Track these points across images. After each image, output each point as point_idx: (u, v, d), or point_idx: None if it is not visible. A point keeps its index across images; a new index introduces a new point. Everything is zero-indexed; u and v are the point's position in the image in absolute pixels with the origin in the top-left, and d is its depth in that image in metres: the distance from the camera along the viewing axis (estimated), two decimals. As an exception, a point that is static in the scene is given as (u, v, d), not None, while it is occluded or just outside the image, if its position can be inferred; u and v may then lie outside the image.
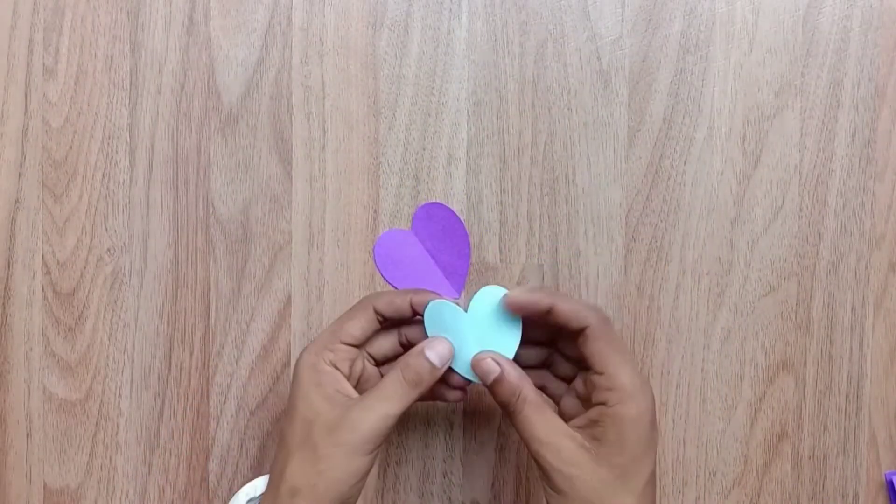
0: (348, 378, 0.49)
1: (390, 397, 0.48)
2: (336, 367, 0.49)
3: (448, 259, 0.57)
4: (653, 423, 0.47)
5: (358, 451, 0.47)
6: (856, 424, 0.58)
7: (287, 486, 0.47)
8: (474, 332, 0.50)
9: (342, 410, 0.47)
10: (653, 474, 0.47)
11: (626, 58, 0.57)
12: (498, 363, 0.48)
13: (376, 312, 0.50)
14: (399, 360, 0.49)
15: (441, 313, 0.50)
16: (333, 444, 0.47)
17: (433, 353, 0.49)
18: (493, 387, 0.49)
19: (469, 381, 0.50)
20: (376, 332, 0.51)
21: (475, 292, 0.50)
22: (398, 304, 0.50)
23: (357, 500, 0.48)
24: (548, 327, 0.50)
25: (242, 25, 0.57)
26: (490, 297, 0.50)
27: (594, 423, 0.47)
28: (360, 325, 0.50)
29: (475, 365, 0.49)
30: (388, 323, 0.51)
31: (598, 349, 0.47)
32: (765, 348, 0.58)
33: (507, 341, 0.50)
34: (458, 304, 0.50)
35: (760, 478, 0.58)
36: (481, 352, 0.49)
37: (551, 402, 0.51)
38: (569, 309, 0.48)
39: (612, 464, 0.46)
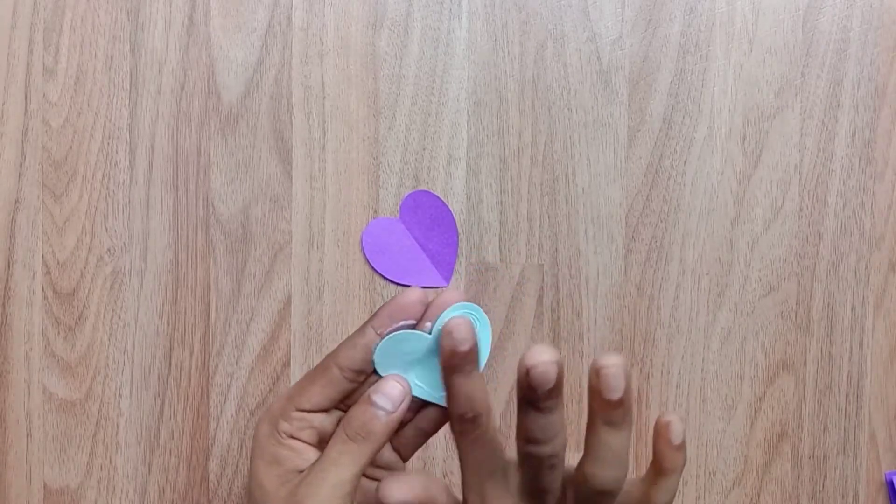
0: (318, 445, 0.43)
1: (337, 461, 0.41)
2: (296, 438, 0.43)
3: (436, 247, 0.57)
4: None
5: None
6: (856, 424, 0.58)
7: None
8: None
9: (292, 489, 0.41)
10: None
11: (626, 58, 0.57)
12: None
13: (340, 369, 0.43)
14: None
15: (398, 345, 0.43)
16: None
17: (381, 396, 0.42)
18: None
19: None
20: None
21: (441, 316, 0.43)
22: (359, 349, 0.43)
23: None
24: None
25: (242, 25, 0.57)
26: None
27: None
28: (319, 389, 0.43)
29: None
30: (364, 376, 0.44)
31: None
32: (765, 348, 0.58)
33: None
34: (414, 328, 0.43)
35: (760, 478, 0.58)
36: None
37: None
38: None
39: None
